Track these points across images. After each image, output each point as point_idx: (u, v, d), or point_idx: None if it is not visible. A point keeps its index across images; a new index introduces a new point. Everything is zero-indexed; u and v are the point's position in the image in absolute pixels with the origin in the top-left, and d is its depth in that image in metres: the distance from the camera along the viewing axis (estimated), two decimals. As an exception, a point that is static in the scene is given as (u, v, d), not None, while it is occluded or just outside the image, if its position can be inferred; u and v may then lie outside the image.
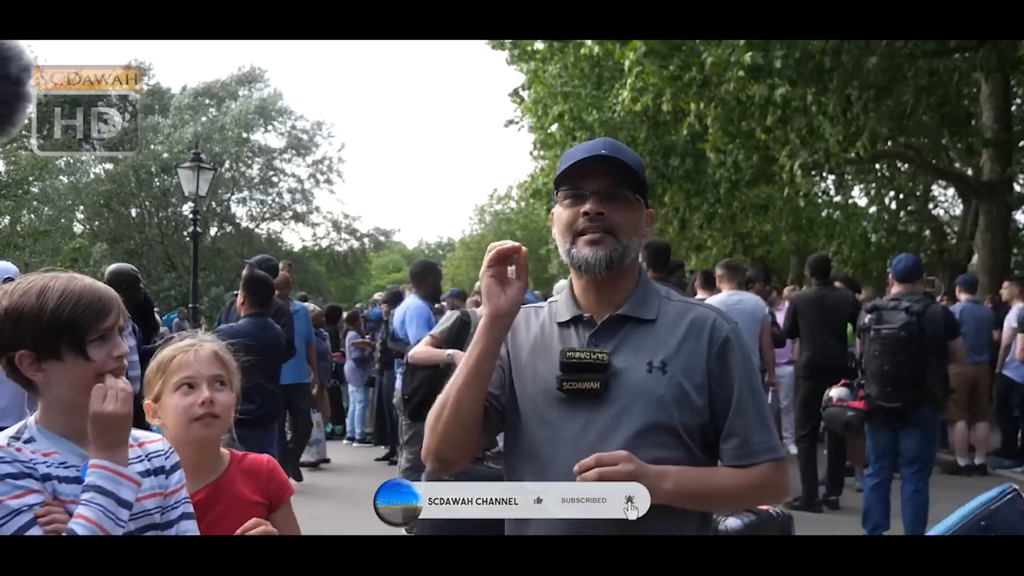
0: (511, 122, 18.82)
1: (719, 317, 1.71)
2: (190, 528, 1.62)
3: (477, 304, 7.09)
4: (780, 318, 8.68)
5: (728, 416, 1.65)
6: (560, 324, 1.74)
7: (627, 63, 10.58)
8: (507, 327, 1.66)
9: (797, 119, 10.38)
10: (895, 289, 5.36)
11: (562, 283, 8.42)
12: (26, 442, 1.47)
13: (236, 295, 5.69)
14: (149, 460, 1.59)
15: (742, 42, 8.93)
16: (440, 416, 1.66)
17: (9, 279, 7.54)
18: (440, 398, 1.67)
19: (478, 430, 1.68)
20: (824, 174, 12.30)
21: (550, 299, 1.84)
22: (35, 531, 1.37)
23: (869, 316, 5.27)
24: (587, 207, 1.66)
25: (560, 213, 1.72)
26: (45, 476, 1.43)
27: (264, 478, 1.97)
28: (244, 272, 5.66)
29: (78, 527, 1.38)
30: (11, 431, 1.50)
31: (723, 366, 1.66)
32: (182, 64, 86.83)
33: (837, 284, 7.36)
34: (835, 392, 5.48)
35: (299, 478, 7.30)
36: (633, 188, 1.69)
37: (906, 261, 5.41)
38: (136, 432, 1.62)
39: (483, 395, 1.66)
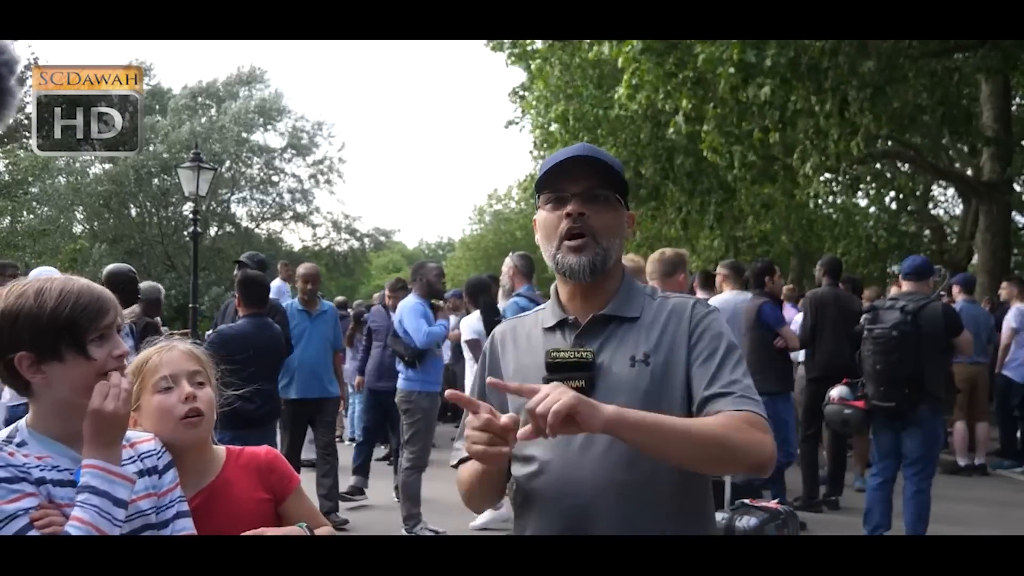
0: (512, 122, 18.83)
1: (698, 303, 1.74)
2: (186, 526, 1.62)
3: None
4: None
5: (706, 380, 1.61)
6: (546, 329, 1.76)
7: (621, 60, 10.58)
8: None
9: (803, 120, 10.38)
10: (904, 287, 5.38)
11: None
12: (18, 446, 1.46)
13: (236, 295, 5.68)
14: (141, 460, 1.59)
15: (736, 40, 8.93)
16: (471, 498, 1.78)
17: None
18: (466, 488, 1.76)
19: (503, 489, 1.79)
20: (838, 177, 12.30)
21: (537, 308, 1.86)
22: (32, 535, 1.37)
23: (866, 316, 5.31)
24: (569, 208, 1.67)
25: (543, 217, 1.73)
26: (39, 480, 1.42)
27: (264, 471, 1.88)
28: (236, 274, 5.64)
29: (73, 529, 1.38)
30: (1, 435, 1.48)
31: (700, 339, 1.65)
32: (182, 64, 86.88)
33: (840, 285, 7.35)
34: (836, 391, 5.50)
35: (336, 509, 6.35)
36: (614, 189, 1.71)
37: (915, 260, 5.46)
38: (128, 432, 1.62)
39: (502, 483, 1.75)
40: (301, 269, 6.76)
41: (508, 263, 6.00)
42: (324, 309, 6.52)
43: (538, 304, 4.75)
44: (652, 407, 1.56)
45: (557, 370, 1.64)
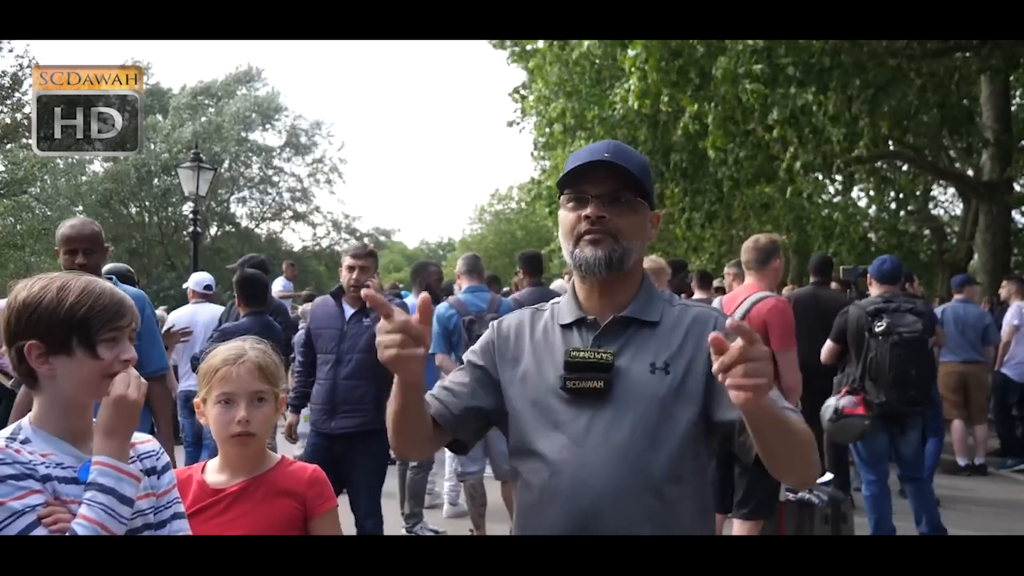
0: (512, 123, 18.78)
1: (720, 315, 1.73)
2: (182, 527, 1.64)
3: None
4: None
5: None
6: (563, 326, 1.74)
7: (627, 63, 10.57)
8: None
9: (802, 119, 10.37)
10: (877, 289, 5.26)
11: (559, 282, 8.31)
12: (22, 443, 1.47)
13: (235, 296, 5.68)
14: (141, 461, 1.60)
15: (746, 50, 8.92)
16: (397, 435, 1.67)
17: (208, 287, 7.37)
18: (388, 420, 1.66)
19: (428, 439, 1.70)
20: (832, 175, 12.27)
21: (552, 301, 1.84)
22: (39, 532, 1.38)
23: (881, 322, 5.09)
24: (588, 211, 1.66)
25: (563, 216, 1.72)
26: (45, 477, 1.44)
27: (304, 483, 1.98)
28: (235, 275, 5.64)
29: (80, 527, 1.39)
30: (5, 432, 1.50)
31: None
32: (180, 64, 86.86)
33: (833, 285, 7.34)
34: (842, 401, 5.32)
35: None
36: (636, 191, 1.69)
37: (891, 263, 5.35)
38: None
39: (423, 423, 1.66)
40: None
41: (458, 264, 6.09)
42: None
43: (456, 311, 4.75)
44: (667, 413, 1.61)
45: (576, 369, 1.64)
